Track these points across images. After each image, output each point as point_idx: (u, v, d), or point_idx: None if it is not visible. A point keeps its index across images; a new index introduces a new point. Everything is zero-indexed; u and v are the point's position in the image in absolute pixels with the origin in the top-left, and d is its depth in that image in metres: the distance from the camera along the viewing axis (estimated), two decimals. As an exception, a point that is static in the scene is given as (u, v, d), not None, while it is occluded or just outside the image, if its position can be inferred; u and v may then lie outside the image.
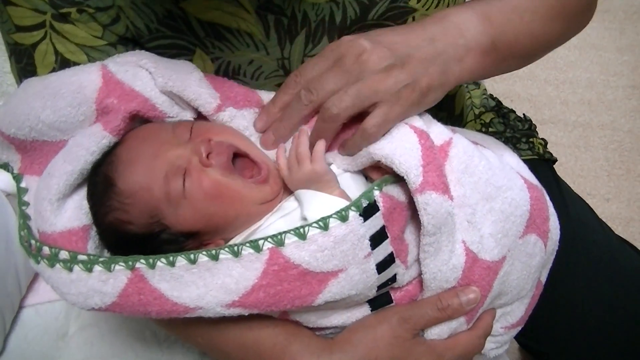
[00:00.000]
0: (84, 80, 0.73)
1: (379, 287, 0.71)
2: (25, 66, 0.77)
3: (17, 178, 0.77)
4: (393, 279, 0.71)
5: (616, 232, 1.04)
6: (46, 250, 0.70)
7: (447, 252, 0.71)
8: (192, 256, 0.66)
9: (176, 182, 0.70)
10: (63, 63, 0.76)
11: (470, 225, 0.73)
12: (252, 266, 0.66)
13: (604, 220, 1.05)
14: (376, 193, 0.67)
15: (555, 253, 0.84)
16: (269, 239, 0.65)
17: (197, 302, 0.67)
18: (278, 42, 0.79)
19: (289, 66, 0.82)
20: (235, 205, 0.71)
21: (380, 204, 0.67)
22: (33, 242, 0.72)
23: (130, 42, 0.78)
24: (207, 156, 0.70)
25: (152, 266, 0.67)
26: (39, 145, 0.75)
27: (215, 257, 0.66)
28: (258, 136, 0.79)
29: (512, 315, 0.82)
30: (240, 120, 0.77)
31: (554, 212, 0.82)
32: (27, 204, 0.75)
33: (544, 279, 0.85)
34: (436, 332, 0.75)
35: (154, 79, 0.75)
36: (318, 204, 0.69)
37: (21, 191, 0.75)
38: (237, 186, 0.71)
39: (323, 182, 0.71)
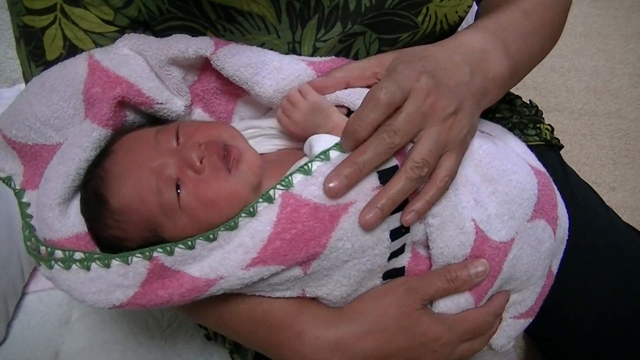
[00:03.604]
0: (72, 72, 0.73)
1: (394, 236, 0.70)
2: (34, 49, 0.76)
3: (19, 194, 0.76)
4: (407, 227, 0.71)
5: (622, 220, 1.03)
6: (59, 253, 0.69)
7: (453, 228, 0.71)
8: (211, 235, 0.67)
9: (169, 193, 0.69)
10: (71, 49, 0.76)
11: (478, 204, 0.74)
12: (267, 218, 0.67)
13: (609, 208, 1.05)
14: None
15: (565, 243, 0.85)
16: (278, 186, 0.67)
17: (218, 269, 0.67)
18: (289, 26, 0.79)
19: (300, 50, 0.81)
20: (233, 205, 0.69)
21: None
22: (43, 248, 0.71)
23: (141, 25, 0.78)
24: (201, 161, 0.69)
25: (171, 253, 0.67)
26: (38, 150, 0.74)
27: (234, 227, 0.67)
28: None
29: (522, 304, 0.82)
30: (241, 56, 0.75)
31: (562, 201, 0.83)
32: (30, 216, 0.74)
33: (555, 269, 0.85)
34: (444, 308, 0.75)
35: (146, 52, 0.75)
36: (322, 141, 0.70)
37: (23, 205, 0.75)
38: (231, 186, 0.70)
39: (323, 108, 0.72)
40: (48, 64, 0.76)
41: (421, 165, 0.67)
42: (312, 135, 0.73)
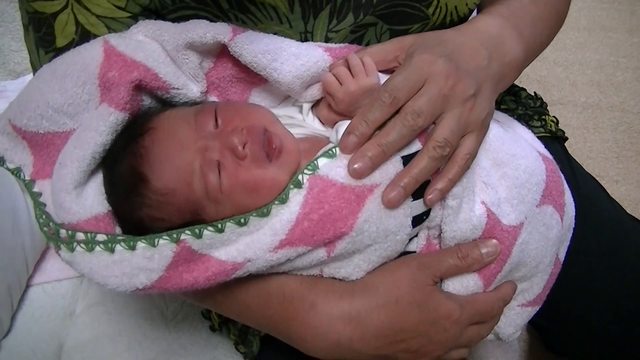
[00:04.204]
0: (87, 58, 0.73)
1: (415, 222, 0.71)
2: (44, 35, 0.76)
3: (29, 185, 0.75)
4: (427, 214, 0.72)
5: (625, 214, 1.03)
6: (81, 235, 0.69)
7: (467, 210, 0.72)
8: (242, 220, 0.67)
9: (213, 176, 0.69)
10: (83, 35, 0.76)
11: (487, 187, 0.75)
12: (296, 201, 0.67)
13: (613, 201, 1.05)
14: None
15: (572, 230, 0.85)
16: (305, 170, 0.68)
17: (245, 253, 0.67)
18: (302, 16, 0.79)
19: (312, 40, 0.81)
20: (272, 192, 0.70)
21: None
22: (63, 231, 0.70)
23: (152, 13, 0.78)
24: (243, 147, 0.69)
25: (199, 236, 0.67)
26: (51, 138, 0.74)
27: (266, 214, 0.68)
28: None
29: (529, 292, 0.82)
30: (259, 43, 0.74)
31: (568, 189, 0.84)
32: (44, 204, 0.73)
33: (562, 256, 0.86)
34: (453, 290, 0.76)
35: (163, 36, 0.75)
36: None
37: (35, 195, 0.74)
38: (271, 175, 0.70)
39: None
40: (58, 51, 0.76)
41: (443, 144, 0.68)
42: (352, 114, 0.73)
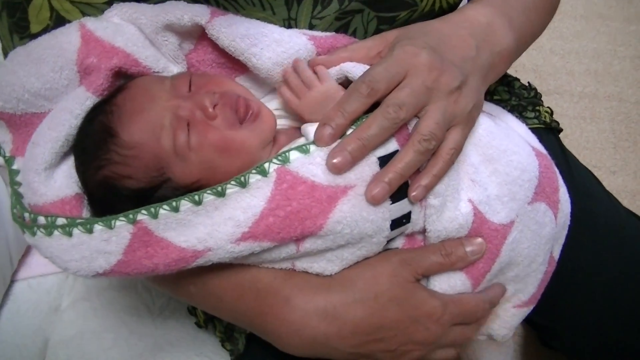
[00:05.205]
0: (64, 42, 0.72)
1: (394, 225, 0.69)
2: (18, 21, 0.75)
3: (9, 161, 0.75)
4: (408, 218, 0.70)
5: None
6: (42, 219, 0.68)
7: (451, 209, 0.70)
8: (197, 197, 0.65)
9: (182, 133, 0.68)
10: (58, 20, 0.74)
11: (475, 184, 0.73)
12: (261, 192, 0.65)
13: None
14: None
15: (567, 228, 0.84)
16: (274, 160, 0.65)
17: (206, 241, 0.65)
18: (285, 2, 0.77)
19: (295, 27, 0.79)
20: (241, 156, 0.70)
21: None
22: (27, 214, 0.70)
23: (131, 0, 0.76)
24: (214, 108, 0.69)
25: (155, 215, 0.65)
26: (29, 118, 0.73)
27: (222, 194, 0.65)
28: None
29: (524, 292, 0.81)
30: (239, 26, 0.74)
31: (564, 185, 0.82)
32: (19, 184, 0.73)
33: (556, 255, 0.84)
34: (438, 289, 0.74)
35: (140, 19, 0.74)
36: None
37: (13, 173, 0.74)
38: (242, 136, 0.70)
39: (337, 97, 0.69)
40: (33, 37, 0.74)
41: (429, 138, 0.65)
42: (315, 120, 0.71)
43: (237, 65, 0.78)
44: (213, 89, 0.71)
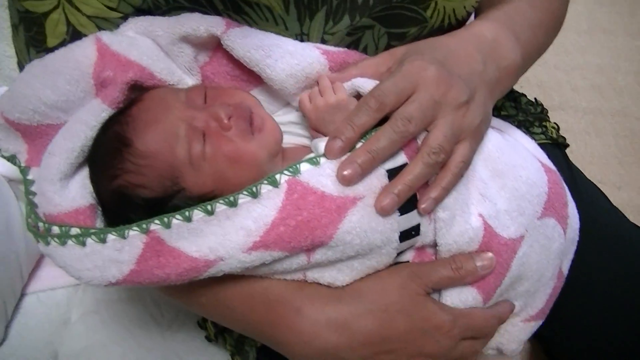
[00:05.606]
0: (80, 56, 0.73)
1: (403, 237, 0.69)
2: (35, 35, 0.76)
3: (24, 171, 0.76)
4: (417, 230, 0.70)
5: (627, 220, 1.02)
6: (55, 229, 0.69)
7: (462, 223, 0.71)
8: (209, 207, 0.66)
9: (197, 144, 0.70)
10: (74, 34, 0.76)
11: (484, 199, 0.73)
12: (272, 202, 0.66)
13: (615, 207, 1.04)
14: None
15: (575, 243, 0.84)
16: (285, 171, 0.67)
17: (218, 251, 0.66)
18: (297, 18, 0.78)
19: (307, 42, 0.80)
20: (251, 167, 0.71)
21: None
22: (41, 224, 0.71)
23: (145, 14, 0.78)
24: (228, 120, 0.71)
25: (168, 225, 0.66)
26: (44, 129, 0.74)
27: (234, 203, 0.66)
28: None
29: (532, 306, 0.81)
30: (253, 38, 0.75)
31: (572, 200, 0.83)
32: (34, 193, 0.73)
33: (565, 269, 0.84)
34: (450, 303, 0.74)
35: (156, 31, 0.75)
36: None
37: (28, 183, 0.75)
38: (253, 148, 0.71)
39: (347, 109, 0.71)
40: (49, 51, 0.76)
41: (438, 150, 0.66)
42: (322, 130, 0.73)
43: (251, 77, 0.79)
44: (227, 100, 0.73)
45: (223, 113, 0.71)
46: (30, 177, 0.75)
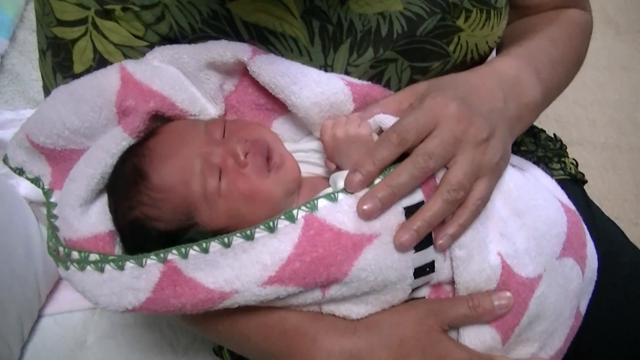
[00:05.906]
0: (104, 84, 0.74)
1: (417, 274, 0.69)
2: (62, 61, 0.77)
3: (47, 193, 0.77)
4: (431, 267, 0.70)
5: (645, 258, 1.01)
6: (75, 254, 0.70)
7: (479, 262, 0.70)
8: (226, 239, 0.67)
9: (212, 179, 0.70)
10: (101, 61, 0.77)
11: (504, 238, 0.73)
12: (288, 238, 0.66)
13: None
14: None
15: (593, 283, 0.83)
16: (302, 207, 0.67)
17: (233, 283, 0.67)
18: (322, 49, 0.79)
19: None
20: (266, 205, 0.71)
21: None
22: (61, 248, 0.72)
23: (172, 43, 0.79)
24: (245, 156, 0.71)
25: (185, 256, 0.67)
26: (68, 154, 0.76)
27: (250, 237, 0.66)
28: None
29: (550, 346, 0.80)
30: (279, 65, 0.75)
31: (591, 241, 0.82)
32: (56, 217, 0.75)
33: (583, 309, 0.83)
34: (470, 342, 0.73)
35: (182, 58, 0.76)
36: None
37: (50, 205, 0.76)
38: (269, 185, 0.71)
39: (367, 144, 0.71)
40: (75, 77, 0.77)
41: (457, 188, 0.67)
42: (336, 160, 0.73)
43: (276, 106, 0.79)
44: (245, 135, 0.73)
45: (240, 149, 0.71)
46: (52, 199, 0.77)
